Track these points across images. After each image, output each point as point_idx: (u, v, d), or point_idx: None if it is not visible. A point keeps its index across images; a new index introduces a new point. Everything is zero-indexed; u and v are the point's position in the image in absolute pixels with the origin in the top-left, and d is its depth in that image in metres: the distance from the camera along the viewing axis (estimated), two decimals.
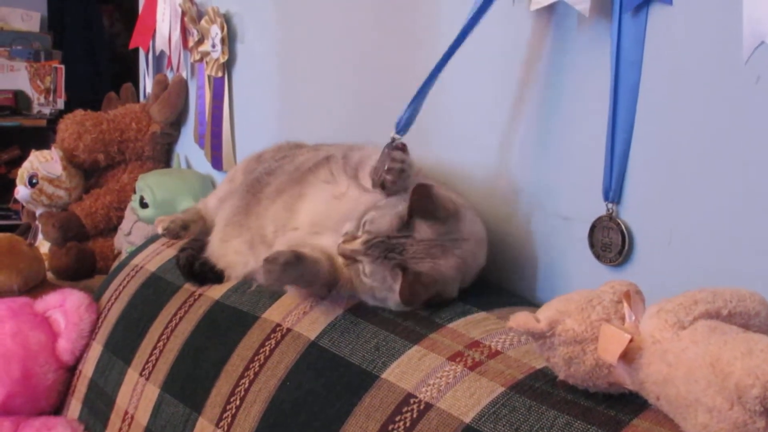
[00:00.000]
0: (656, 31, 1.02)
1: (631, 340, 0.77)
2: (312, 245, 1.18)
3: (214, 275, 1.39)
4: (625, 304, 0.82)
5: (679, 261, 1.02)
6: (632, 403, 0.82)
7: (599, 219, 1.10)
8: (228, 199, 1.46)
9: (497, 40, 1.27)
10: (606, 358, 0.80)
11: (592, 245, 1.11)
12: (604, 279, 0.90)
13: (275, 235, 1.27)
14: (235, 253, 1.36)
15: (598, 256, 1.11)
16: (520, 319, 0.85)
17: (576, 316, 0.83)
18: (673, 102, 1.01)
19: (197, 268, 1.42)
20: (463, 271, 1.12)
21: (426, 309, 1.10)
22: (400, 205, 1.12)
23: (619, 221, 1.08)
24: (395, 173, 1.14)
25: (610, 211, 1.09)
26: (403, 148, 1.18)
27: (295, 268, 1.11)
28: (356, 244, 1.10)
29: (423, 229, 1.09)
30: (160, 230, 1.53)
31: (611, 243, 1.08)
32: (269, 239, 1.27)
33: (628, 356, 0.78)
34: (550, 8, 1.14)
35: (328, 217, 1.22)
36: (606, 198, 1.09)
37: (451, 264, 1.10)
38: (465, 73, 1.34)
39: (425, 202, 1.10)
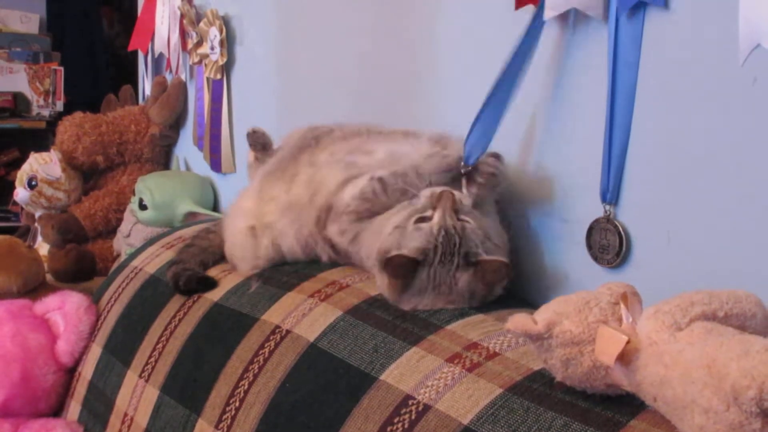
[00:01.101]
0: (653, 32, 1.03)
1: (628, 342, 0.78)
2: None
3: (202, 286, 1.40)
4: (622, 306, 0.82)
5: (676, 262, 1.02)
6: (629, 404, 0.82)
7: (597, 221, 1.10)
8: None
9: (494, 43, 1.27)
10: (603, 360, 0.80)
11: (589, 247, 1.12)
12: (602, 281, 0.91)
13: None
14: (270, 199, 1.36)
15: (595, 258, 1.11)
16: (518, 320, 0.85)
17: (573, 318, 0.83)
18: (670, 104, 1.02)
19: (182, 287, 1.42)
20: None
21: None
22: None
23: (617, 223, 1.08)
24: (486, 175, 1.16)
25: (608, 212, 1.09)
26: (497, 156, 1.18)
27: None
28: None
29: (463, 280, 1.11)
30: (249, 129, 1.52)
31: (609, 245, 1.09)
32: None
33: (625, 358, 0.78)
34: None
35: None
36: (603, 200, 1.09)
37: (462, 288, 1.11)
38: (462, 74, 1.35)
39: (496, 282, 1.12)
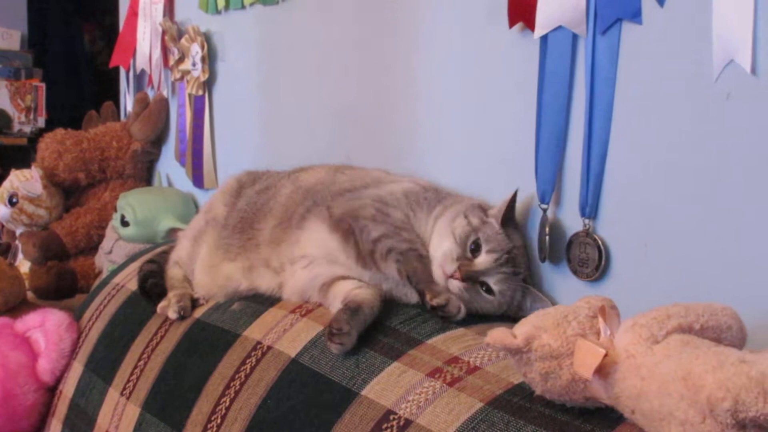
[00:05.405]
0: (629, 49, 1.04)
1: (605, 355, 0.78)
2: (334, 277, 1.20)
3: (155, 298, 1.44)
4: (600, 319, 0.83)
5: (654, 276, 1.03)
6: (608, 417, 0.82)
7: (576, 234, 1.11)
8: (207, 232, 1.45)
9: (478, 60, 1.28)
10: (581, 373, 0.80)
11: (568, 261, 1.12)
12: (581, 294, 0.91)
13: (282, 266, 1.28)
14: (226, 279, 1.36)
15: (574, 272, 1.12)
16: (497, 335, 0.85)
17: (552, 332, 0.84)
18: (646, 119, 1.03)
19: (148, 287, 1.46)
20: None
21: (408, 325, 1.11)
22: (491, 221, 1.14)
23: (596, 237, 1.09)
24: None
25: (587, 226, 1.10)
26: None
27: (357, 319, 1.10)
28: (483, 264, 1.10)
29: (514, 236, 1.14)
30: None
31: (588, 258, 1.10)
32: (275, 267, 1.29)
33: (603, 371, 0.79)
34: (525, 27, 1.16)
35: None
36: (582, 214, 1.10)
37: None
38: (445, 90, 1.36)
39: (512, 210, 1.15)
